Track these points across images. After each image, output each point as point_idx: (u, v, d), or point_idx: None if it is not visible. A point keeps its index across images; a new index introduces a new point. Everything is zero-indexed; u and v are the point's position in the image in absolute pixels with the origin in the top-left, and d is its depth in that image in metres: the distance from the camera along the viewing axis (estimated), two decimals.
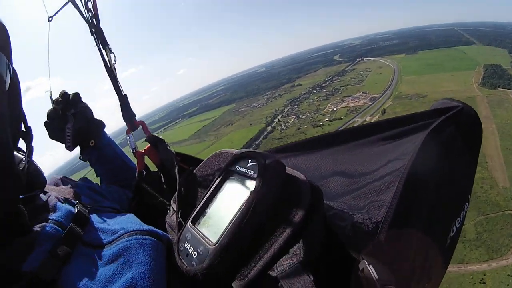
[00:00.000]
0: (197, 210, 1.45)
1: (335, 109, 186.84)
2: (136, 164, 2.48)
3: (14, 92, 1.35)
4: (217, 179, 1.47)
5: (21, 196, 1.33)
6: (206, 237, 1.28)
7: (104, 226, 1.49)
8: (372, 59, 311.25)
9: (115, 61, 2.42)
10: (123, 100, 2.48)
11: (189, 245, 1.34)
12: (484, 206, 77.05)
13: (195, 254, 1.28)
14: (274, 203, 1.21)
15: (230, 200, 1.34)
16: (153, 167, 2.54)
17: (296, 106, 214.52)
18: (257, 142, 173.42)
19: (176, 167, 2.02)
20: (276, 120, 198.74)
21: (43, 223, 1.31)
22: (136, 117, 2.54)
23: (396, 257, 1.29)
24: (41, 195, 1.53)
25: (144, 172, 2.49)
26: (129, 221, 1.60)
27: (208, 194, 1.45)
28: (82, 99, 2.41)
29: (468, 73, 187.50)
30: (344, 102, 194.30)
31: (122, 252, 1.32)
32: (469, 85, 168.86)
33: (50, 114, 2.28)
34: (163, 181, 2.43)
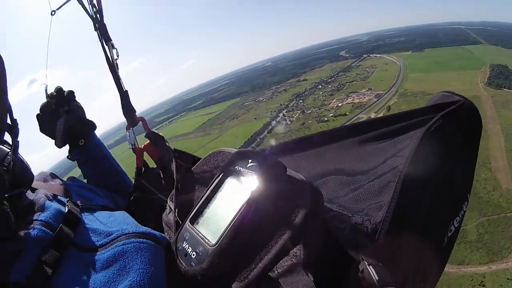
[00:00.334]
0: (195, 209, 1.42)
1: (340, 104, 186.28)
2: (136, 161, 2.47)
3: None
4: (216, 178, 1.45)
5: (6, 195, 1.25)
6: (205, 238, 1.26)
7: (97, 227, 1.41)
8: (378, 55, 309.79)
9: (118, 56, 2.41)
10: (124, 96, 2.47)
11: (187, 245, 1.32)
12: (486, 207, 76.83)
13: (193, 255, 1.26)
14: (274, 204, 1.20)
15: (230, 200, 1.32)
16: (151, 164, 2.54)
17: (301, 101, 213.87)
18: (261, 136, 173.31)
19: (173, 165, 2.02)
20: (281, 114, 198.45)
21: (31, 225, 1.24)
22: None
23: (393, 258, 1.28)
24: (29, 192, 1.47)
25: (143, 169, 2.48)
26: (124, 221, 1.53)
27: (207, 193, 1.43)
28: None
29: (474, 72, 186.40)
30: (349, 98, 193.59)
31: (117, 257, 1.25)
32: (474, 85, 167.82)
33: (43, 108, 2.28)
34: (162, 177, 2.40)
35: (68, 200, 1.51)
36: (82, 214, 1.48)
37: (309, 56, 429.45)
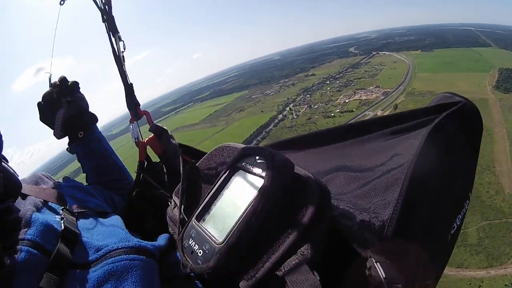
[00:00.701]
0: (202, 206, 1.40)
1: (347, 101, 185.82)
2: (138, 154, 2.43)
3: None
4: (223, 174, 1.43)
5: None
6: (212, 235, 1.25)
7: (88, 240, 1.35)
8: (387, 53, 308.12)
9: (124, 49, 2.37)
10: (129, 89, 2.43)
11: (193, 243, 1.30)
12: (488, 211, 76.41)
13: (200, 252, 1.25)
14: (282, 202, 1.19)
15: (237, 197, 1.31)
16: (154, 158, 2.50)
17: (308, 96, 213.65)
18: (267, 130, 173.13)
19: (180, 159, 1.98)
20: (287, 108, 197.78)
21: (17, 246, 1.14)
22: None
23: (400, 255, 1.27)
24: (19, 199, 1.42)
25: (146, 163, 2.45)
26: (113, 232, 1.46)
27: (214, 190, 1.41)
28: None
29: (482, 75, 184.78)
30: (357, 95, 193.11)
31: (108, 277, 1.20)
32: (482, 87, 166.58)
33: (45, 97, 2.22)
34: (165, 172, 2.39)
35: (63, 209, 1.46)
36: (78, 221, 1.44)
37: (319, 51, 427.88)
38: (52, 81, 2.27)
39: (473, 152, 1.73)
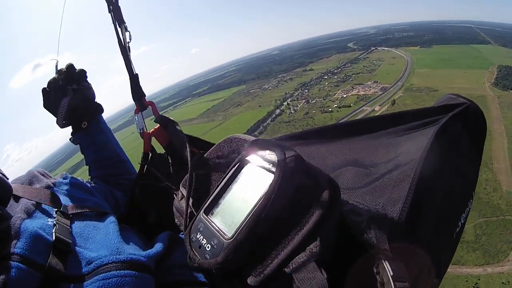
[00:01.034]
0: (210, 199, 1.39)
1: (345, 96, 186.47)
2: (143, 146, 2.38)
3: None
4: (232, 168, 1.42)
5: None
6: (221, 230, 1.24)
7: (81, 250, 1.31)
8: (386, 49, 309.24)
9: (130, 39, 2.33)
10: (134, 79, 2.38)
11: (201, 237, 1.29)
12: (486, 208, 76.94)
13: (208, 247, 1.23)
14: (292, 198, 1.18)
15: (247, 192, 1.29)
16: (159, 149, 2.44)
17: (306, 91, 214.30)
18: (264, 124, 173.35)
19: (187, 150, 1.92)
20: (285, 103, 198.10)
21: (8, 262, 1.10)
22: (146, 95, 2.43)
23: (408, 253, 1.28)
24: (12, 201, 1.39)
25: (150, 154, 2.39)
26: (106, 241, 1.42)
27: (223, 183, 1.40)
28: (89, 79, 2.25)
29: (481, 72, 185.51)
30: (355, 90, 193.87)
31: None
32: (481, 84, 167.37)
33: (50, 83, 2.11)
34: (171, 163, 2.37)
35: (56, 211, 1.42)
36: (72, 224, 1.42)
37: (317, 46, 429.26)
38: (58, 68, 2.18)
39: (477, 152, 1.75)
